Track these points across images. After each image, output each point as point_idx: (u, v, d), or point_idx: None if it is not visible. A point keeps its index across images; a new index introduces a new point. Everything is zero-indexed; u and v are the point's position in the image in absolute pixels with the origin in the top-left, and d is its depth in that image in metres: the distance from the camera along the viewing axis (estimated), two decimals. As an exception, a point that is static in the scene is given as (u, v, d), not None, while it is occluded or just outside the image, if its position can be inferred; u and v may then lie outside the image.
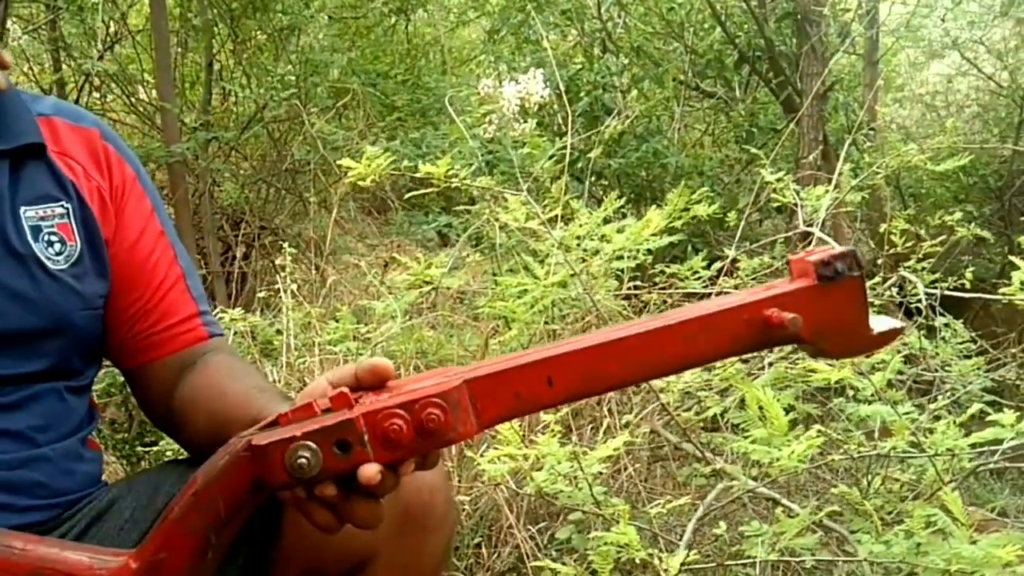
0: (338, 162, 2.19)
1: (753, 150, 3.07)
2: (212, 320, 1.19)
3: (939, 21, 6.50)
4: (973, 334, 2.62)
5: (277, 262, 3.76)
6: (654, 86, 6.17)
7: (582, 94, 5.15)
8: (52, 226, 1.08)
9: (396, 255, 3.75)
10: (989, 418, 1.62)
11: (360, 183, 1.99)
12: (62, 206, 1.09)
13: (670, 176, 5.61)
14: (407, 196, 3.13)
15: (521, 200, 2.01)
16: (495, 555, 1.99)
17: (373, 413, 0.80)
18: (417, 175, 1.84)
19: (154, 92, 4.71)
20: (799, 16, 5.16)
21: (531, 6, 5.14)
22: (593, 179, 5.02)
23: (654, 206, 5.53)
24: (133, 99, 4.83)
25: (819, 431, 1.57)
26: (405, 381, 0.86)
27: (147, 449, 2.27)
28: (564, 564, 1.68)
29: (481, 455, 1.77)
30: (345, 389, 0.83)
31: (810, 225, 2.58)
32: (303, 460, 0.79)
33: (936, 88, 8.50)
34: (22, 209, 1.06)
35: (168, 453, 2.14)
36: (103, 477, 1.21)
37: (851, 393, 1.90)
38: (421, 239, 4.79)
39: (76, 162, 1.13)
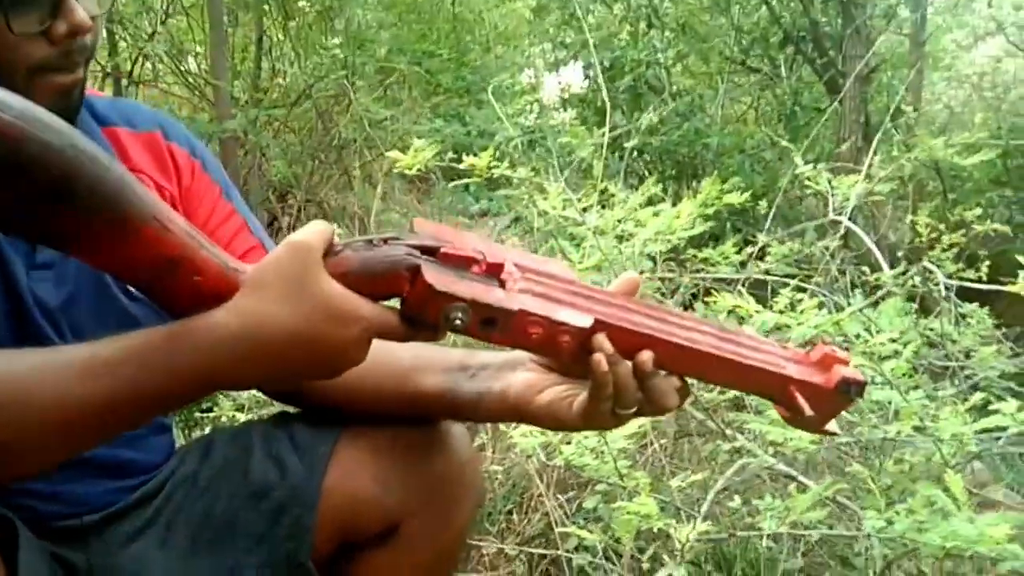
0: (386, 153, 2.30)
1: (783, 142, 3.13)
2: None
3: (986, 6, 6.49)
4: (995, 322, 2.69)
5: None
6: (699, 62, 6.19)
7: (626, 70, 5.21)
8: None
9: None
10: (992, 406, 1.72)
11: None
12: None
13: (712, 154, 5.67)
14: (451, 185, 3.23)
15: (558, 190, 2.12)
16: (525, 521, 2.11)
17: (527, 313, 0.92)
18: (460, 165, 1.95)
19: (203, 64, 4.85)
20: (844, -1, 5.18)
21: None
22: (635, 156, 5.09)
23: (694, 184, 5.59)
24: (183, 69, 4.94)
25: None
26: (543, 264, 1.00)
27: (204, 415, 2.42)
28: (590, 532, 1.81)
29: (514, 428, 1.89)
30: (504, 259, 0.95)
31: (839, 213, 2.66)
32: (458, 321, 0.90)
33: (984, 69, 8.45)
34: None
35: (223, 419, 2.29)
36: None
37: (871, 377, 1.99)
38: (463, 212, 4.90)
39: (145, 174, 1.14)
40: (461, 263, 0.93)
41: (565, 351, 0.95)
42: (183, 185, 1.19)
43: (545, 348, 0.96)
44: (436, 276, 0.90)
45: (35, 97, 0.98)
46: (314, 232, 0.92)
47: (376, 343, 0.94)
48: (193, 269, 0.88)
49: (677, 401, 1.00)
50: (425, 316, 0.91)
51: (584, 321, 0.95)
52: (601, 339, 0.95)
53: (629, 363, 0.97)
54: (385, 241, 0.93)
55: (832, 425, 1.05)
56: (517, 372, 1.09)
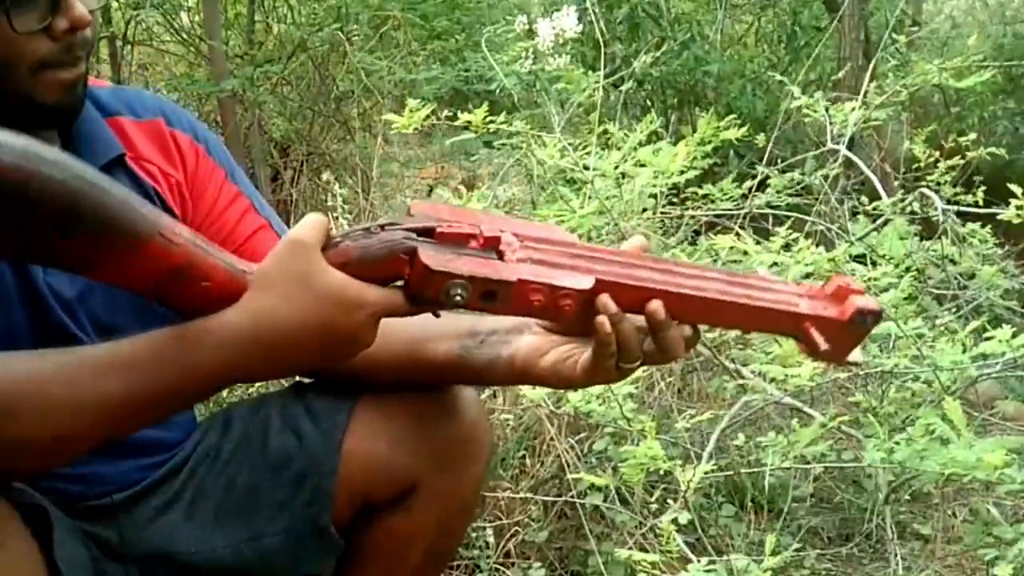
0: (384, 115, 2.32)
1: (778, 76, 3.12)
2: None
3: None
4: (996, 241, 2.70)
5: (323, 178, 3.91)
6: (697, -16, 6.08)
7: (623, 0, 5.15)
8: None
9: (438, 180, 3.90)
10: (987, 333, 1.75)
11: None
12: None
13: (713, 80, 5.62)
14: (449, 142, 3.23)
15: (554, 141, 2.14)
16: (538, 464, 2.17)
17: (526, 282, 0.96)
18: (456, 123, 1.97)
19: (197, 18, 4.82)
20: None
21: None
22: (634, 88, 5.06)
23: (696, 111, 5.56)
24: (177, 27, 4.91)
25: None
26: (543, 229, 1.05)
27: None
28: (600, 475, 1.86)
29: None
30: (501, 231, 0.99)
31: (837, 141, 2.67)
32: (458, 297, 0.94)
33: (985, -24, 8.31)
34: None
35: (239, 390, 2.33)
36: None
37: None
38: (464, 158, 4.89)
39: (151, 163, 1.18)
40: (458, 240, 0.97)
41: (568, 314, 0.99)
42: (188, 171, 1.21)
43: (548, 313, 1.00)
44: (433, 256, 0.94)
45: (40, 93, 1.04)
46: (311, 226, 0.96)
47: None
48: (201, 275, 0.92)
49: (684, 350, 1.04)
50: (426, 295, 0.95)
51: (585, 283, 0.98)
52: (605, 299, 0.99)
53: (633, 319, 1.00)
54: (382, 228, 0.96)
55: (856, 355, 1.08)
56: (524, 336, 1.12)
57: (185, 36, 4.91)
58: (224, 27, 4.57)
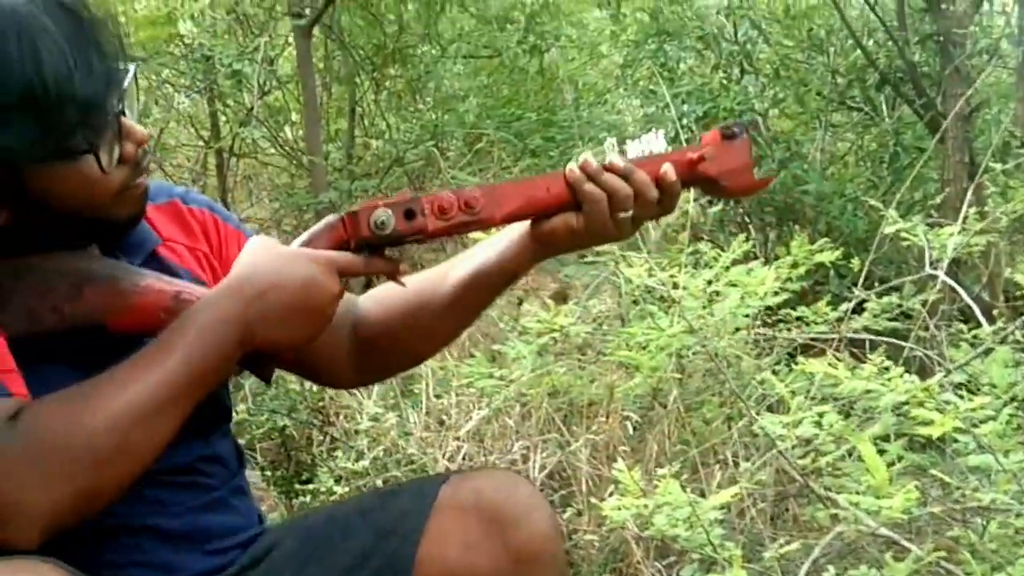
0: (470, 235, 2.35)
1: (872, 202, 3.07)
2: None
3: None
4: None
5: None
6: (795, 104, 6.09)
7: (721, 119, 5.15)
8: None
9: (529, 292, 3.91)
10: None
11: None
12: None
13: (812, 198, 5.56)
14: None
15: (641, 261, 2.14)
16: (625, 588, 2.11)
17: (433, 195, 1.18)
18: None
19: (299, 131, 5.01)
20: (941, 37, 5.05)
21: (665, 35, 5.19)
22: (732, 204, 5.04)
23: (796, 229, 5.49)
24: (281, 140, 5.11)
25: (916, 485, 1.64)
26: None
27: (303, 487, 2.49)
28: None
29: (603, 501, 1.90)
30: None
31: (935, 266, 2.60)
32: (383, 219, 1.14)
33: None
34: None
35: (322, 491, 2.34)
36: (265, 511, 1.39)
37: (965, 441, 1.93)
38: (554, 271, 4.91)
39: (176, 242, 1.27)
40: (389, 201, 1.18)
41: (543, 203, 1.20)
42: (211, 241, 1.32)
43: (469, 210, 1.18)
44: (356, 207, 1.16)
45: (117, 213, 1.14)
46: None
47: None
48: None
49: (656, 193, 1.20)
50: (362, 235, 1.15)
51: (485, 187, 1.21)
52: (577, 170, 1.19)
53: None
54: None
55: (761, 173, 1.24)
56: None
57: (288, 149, 5.10)
58: (325, 141, 4.73)
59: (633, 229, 1.24)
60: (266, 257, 1.13)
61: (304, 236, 1.18)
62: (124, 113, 1.10)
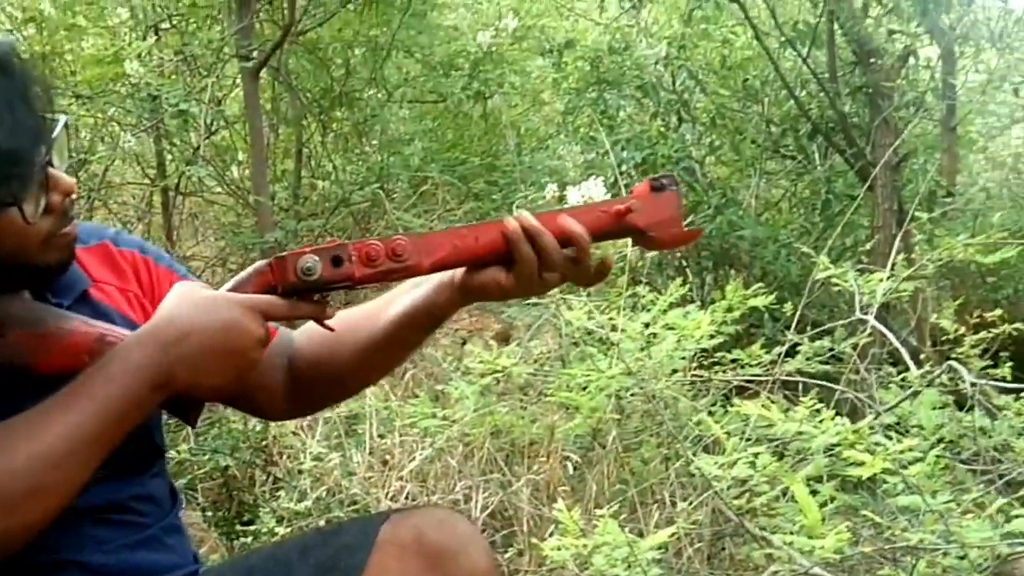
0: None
1: (804, 248, 3.17)
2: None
3: (1012, 94, 6.55)
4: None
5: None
6: (731, 153, 6.22)
7: (658, 165, 5.26)
8: None
9: (472, 333, 3.95)
10: (1015, 512, 1.73)
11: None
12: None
13: (747, 244, 5.68)
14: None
15: (582, 305, 2.19)
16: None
17: (360, 242, 1.18)
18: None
19: (246, 171, 5.01)
20: (871, 90, 5.21)
21: (605, 83, 5.29)
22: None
23: (732, 273, 5.58)
24: (227, 178, 5.11)
25: (848, 525, 1.70)
26: None
27: (245, 528, 2.48)
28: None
29: (543, 541, 1.94)
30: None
31: (866, 311, 2.70)
32: (310, 265, 1.15)
33: (1019, 150, 8.43)
34: None
35: (264, 532, 2.34)
36: (205, 553, 1.40)
37: (893, 485, 2.01)
38: (497, 312, 4.96)
39: (107, 284, 1.28)
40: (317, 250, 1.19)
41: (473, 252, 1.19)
42: (141, 281, 1.33)
43: (395, 258, 1.18)
44: (284, 254, 1.17)
45: (44, 259, 1.16)
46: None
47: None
48: None
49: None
50: (288, 281, 1.16)
51: (413, 235, 1.20)
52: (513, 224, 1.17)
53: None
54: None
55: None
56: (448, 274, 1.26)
57: (234, 189, 5.09)
58: (271, 181, 4.75)
59: (557, 284, 1.24)
60: (188, 301, 1.14)
61: (232, 281, 1.18)
62: (52, 163, 1.11)
